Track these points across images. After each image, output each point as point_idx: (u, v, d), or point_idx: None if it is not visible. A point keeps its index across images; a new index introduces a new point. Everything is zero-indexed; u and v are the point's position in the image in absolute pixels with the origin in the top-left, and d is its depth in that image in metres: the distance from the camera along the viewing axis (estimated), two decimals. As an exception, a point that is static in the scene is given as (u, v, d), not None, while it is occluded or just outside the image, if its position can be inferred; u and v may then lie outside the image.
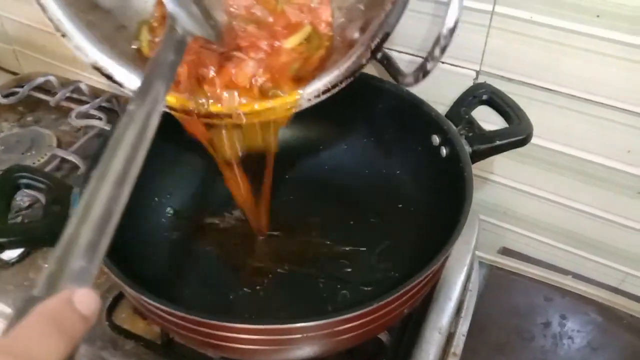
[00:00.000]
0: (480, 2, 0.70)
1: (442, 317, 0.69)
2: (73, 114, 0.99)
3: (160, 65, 0.47)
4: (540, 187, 0.84)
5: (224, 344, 0.50)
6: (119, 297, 0.71)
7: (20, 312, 0.31)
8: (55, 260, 0.34)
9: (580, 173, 0.79)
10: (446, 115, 0.69)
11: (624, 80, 0.68)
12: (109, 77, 0.60)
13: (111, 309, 0.70)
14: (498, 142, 0.65)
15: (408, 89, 0.72)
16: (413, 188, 0.74)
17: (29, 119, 1.04)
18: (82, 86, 1.06)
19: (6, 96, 1.06)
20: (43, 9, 0.58)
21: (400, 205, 0.76)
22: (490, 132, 0.66)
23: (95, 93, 1.06)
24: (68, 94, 1.05)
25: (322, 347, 0.53)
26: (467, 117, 0.68)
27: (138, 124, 0.42)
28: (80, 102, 1.04)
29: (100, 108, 1.01)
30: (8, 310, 0.70)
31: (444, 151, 0.67)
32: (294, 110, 0.58)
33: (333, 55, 0.60)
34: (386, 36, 0.56)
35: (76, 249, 0.35)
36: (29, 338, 0.29)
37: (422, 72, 0.54)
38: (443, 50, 0.52)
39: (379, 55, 0.57)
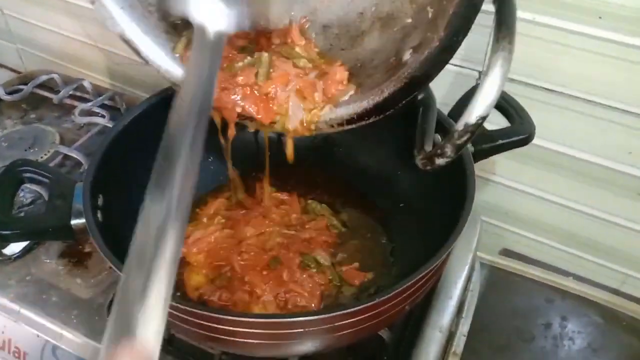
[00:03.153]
0: (483, 3, 0.70)
1: (442, 316, 0.69)
2: (76, 112, 1.00)
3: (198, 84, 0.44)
4: (541, 188, 0.84)
5: (224, 337, 0.50)
6: (121, 293, 0.71)
7: None
8: (114, 313, 0.34)
9: (582, 174, 0.79)
10: (449, 115, 0.69)
11: (625, 82, 0.68)
12: (136, 51, 0.60)
13: (112, 305, 0.70)
14: (500, 142, 0.65)
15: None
16: (415, 187, 0.74)
17: (32, 116, 1.04)
18: (85, 84, 1.07)
19: (10, 93, 1.06)
20: None
21: (402, 205, 0.76)
22: (493, 131, 0.66)
23: (99, 91, 1.07)
24: (71, 92, 1.06)
25: (323, 342, 0.53)
26: (470, 116, 0.68)
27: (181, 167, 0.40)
28: (84, 100, 1.04)
29: (103, 106, 1.02)
30: (10, 304, 0.70)
31: (446, 150, 0.67)
32: (312, 133, 0.58)
33: (377, 73, 0.56)
34: (427, 77, 0.49)
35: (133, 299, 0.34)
36: None
37: (430, 165, 0.49)
38: (457, 148, 0.44)
39: (419, 96, 0.53)
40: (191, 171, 0.40)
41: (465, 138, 0.43)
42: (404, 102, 0.52)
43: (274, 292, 0.63)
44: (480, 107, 0.40)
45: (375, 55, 0.56)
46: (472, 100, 0.40)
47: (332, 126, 0.57)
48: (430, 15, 0.50)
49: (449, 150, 0.45)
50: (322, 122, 0.58)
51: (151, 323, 0.34)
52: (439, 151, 0.46)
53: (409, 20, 0.52)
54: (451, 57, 0.47)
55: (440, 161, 0.47)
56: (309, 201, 0.78)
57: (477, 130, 0.41)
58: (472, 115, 0.41)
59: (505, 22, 0.43)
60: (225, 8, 0.48)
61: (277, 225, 0.73)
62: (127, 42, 0.60)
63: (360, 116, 0.55)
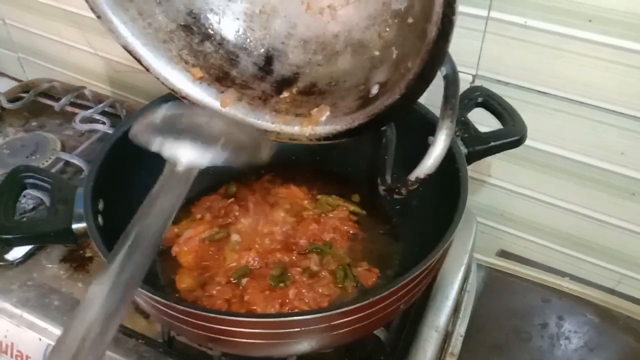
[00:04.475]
0: (475, 7, 0.72)
1: (439, 316, 0.70)
2: (77, 119, 1.01)
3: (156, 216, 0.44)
4: (536, 189, 0.85)
5: (223, 337, 0.51)
6: (121, 297, 0.72)
7: None
8: None
9: (576, 175, 0.80)
10: (442, 118, 0.70)
11: (616, 83, 0.69)
12: (138, 61, 0.65)
13: (113, 308, 0.71)
14: (493, 143, 0.66)
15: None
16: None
17: (34, 123, 1.06)
18: (86, 91, 1.08)
19: (11, 101, 1.08)
20: None
21: (398, 207, 0.77)
22: (486, 133, 0.68)
23: (99, 98, 1.08)
24: (72, 99, 1.07)
25: (320, 342, 0.54)
26: (462, 119, 0.69)
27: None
28: (84, 107, 1.06)
29: (103, 113, 1.03)
30: (12, 309, 0.72)
31: (440, 152, 0.69)
32: (295, 141, 0.66)
33: (349, 97, 0.63)
34: (390, 119, 0.60)
35: None
36: None
37: (390, 195, 0.60)
38: (410, 190, 0.56)
39: (383, 127, 0.63)
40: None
41: (416, 186, 0.56)
42: (370, 132, 0.62)
43: (275, 311, 0.63)
44: (428, 168, 0.54)
45: (347, 77, 0.63)
46: (422, 161, 0.54)
47: (311, 140, 0.65)
48: (394, 56, 0.57)
49: (403, 191, 0.58)
50: (302, 135, 0.65)
51: None
52: (396, 190, 0.58)
53: (377, 53, 0.60)
54: (411, 106, 0.57)
55: (397, 196, 0.59)
56: (319, 196, 0.79)
57: (424, 181, 0.55)
58: (422, 172, 0.54)
59: (450, 101, 0.54)
60: (199, 149, 0.48)
61: (287, 213, 0.74)
62: (130, 52, 0.64)
63: (335, 136, 0.64)
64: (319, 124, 0.64)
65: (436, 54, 0.49)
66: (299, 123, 0.66)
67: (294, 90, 0.66)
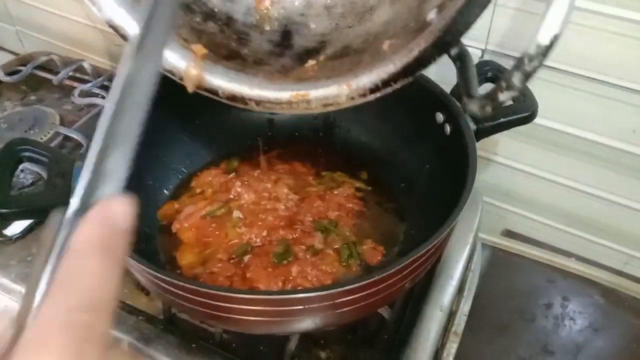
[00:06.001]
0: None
1: (443, 295, 0.69)
2: (76, 93, 0.99)
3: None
4: (543, 168, 0.84)
5: (226, 315, 0.50)
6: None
7: (56, 232, 0.28)
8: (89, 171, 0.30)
9: (585, 154, 0.78)
10: (451, 93, 0.68)
11: (630, 59, 0.67)
12: (124, 38, 0.57)
13: (114, 285, 0.70)
14: (502, 120, 0.64)
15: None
16: (416, 167, 0.74)
17: (32, 97, 1.04)
18: (85, 65, 1.06)
19: (9, 74, 1.06)
20: None
21: (402, 185, 0.76)
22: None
23: (98, 72, 1.06)
24: (71, 73, 1.05)
25: (324, 320, 0.53)
26: (471, 94, 0.67)
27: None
28: (83, 81, 1.04)
29: (102, 86, 1.01)
30: (11, 284, 0.71)
31: (447, 129, 0.67)
32: (332, 109, 0.54)
33: (397, 39, 0.51)
34: (463, 27, 0.44)
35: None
36: (83, 274, 0.26)
37: (492, 104, 0.42)
38: (527, 76, 0.38)
39: (452, 51, 0.47)
40: None
41: (536, 63, 0.36)
42: (436, 59, 0.46)
43: (278, 288, 0.62)
44: (554, 24, 0.34)
45: (389, 26, 0.52)
46: (542, 19, 0.33)
47: (353, 98, 0.52)
48: None
49: (517, 80, 0.38)
50: (340, 96, 0.54)
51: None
52: (503, 84, 0.39)
53: None
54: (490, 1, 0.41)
55: (504, 96, 0.40)
56: (323, 172, 0.78)
57: (549, 54, 0.34)
58: (545, 34, 0.33)
59: None
60: None
61: (291, 190, 0.72)
62: (115, 28, 0.57)
63: (386, 82, 0.49)
64: (361, 75, 0.50)
65: None
66: (335, 83, 0.53)
67: (321, 58, 0.56)
